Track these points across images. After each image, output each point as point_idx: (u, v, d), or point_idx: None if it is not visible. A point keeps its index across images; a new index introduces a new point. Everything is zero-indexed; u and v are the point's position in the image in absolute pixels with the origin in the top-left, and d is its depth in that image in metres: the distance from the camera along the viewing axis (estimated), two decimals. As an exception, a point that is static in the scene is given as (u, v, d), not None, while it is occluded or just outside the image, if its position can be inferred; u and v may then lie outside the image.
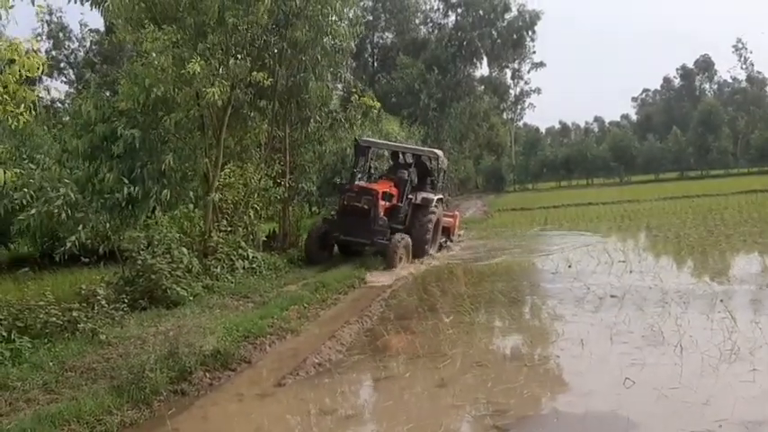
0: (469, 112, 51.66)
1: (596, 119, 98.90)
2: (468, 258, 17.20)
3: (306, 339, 9.23)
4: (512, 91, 64.19)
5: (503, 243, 19.80)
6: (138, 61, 12.41)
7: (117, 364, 7.58)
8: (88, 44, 38.79)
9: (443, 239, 18.89)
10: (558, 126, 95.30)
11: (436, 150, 19.50)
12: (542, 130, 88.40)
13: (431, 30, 53.42)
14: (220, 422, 6.45)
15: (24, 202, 8.83)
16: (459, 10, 52.21)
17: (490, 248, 18.73)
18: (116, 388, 6.80)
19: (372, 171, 18.93)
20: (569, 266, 13.99)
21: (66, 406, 6.25)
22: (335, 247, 16.67)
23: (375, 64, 49.39)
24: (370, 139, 18.52)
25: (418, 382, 7.23)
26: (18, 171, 7.74)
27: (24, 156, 11.65)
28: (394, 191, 16.72)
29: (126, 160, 10.75)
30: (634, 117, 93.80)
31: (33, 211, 8.86)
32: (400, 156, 18.83)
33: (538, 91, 65.51)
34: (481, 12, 51.43)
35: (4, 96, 6.93)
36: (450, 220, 19.72)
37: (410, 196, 16.93)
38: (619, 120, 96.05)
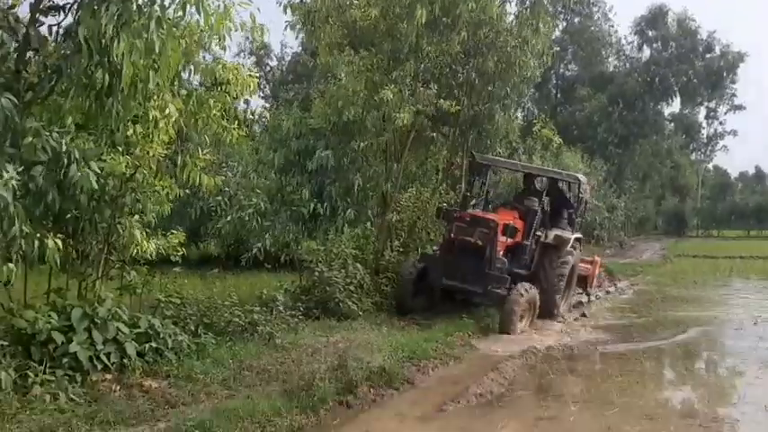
0: (654, 149, 49.49)
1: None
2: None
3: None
4: (704, 131, 60.83)
5: (680, 294, 18.56)
6: (332, 83, 13.12)
7: (290, 369, 7.95)
8: (287, 64, 41.23)
9: (580, 293, 15.31)
10: (752, 171, 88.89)
11: (578, 174, 14.97)
12: (734, 174, 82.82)
13: (621, 63, 51.82)
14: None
15: (220, 207, 9.59)
16: (655, 45, 50.24)
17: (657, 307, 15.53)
18: (287, 392, 7.16)
19: (490, 197, 15.39)
20: (755, 323, 13.09)
21: (241, 403, 6.67)
22: (436, 294, 12.57)
23: (558, 95, 48.56)
24: (490, 156, 14.77)
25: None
26: (222, 179, 8.44)
27: (223, 164, 12.61)
28: (519, 224, 12.70)
29: (317, 177, 11.41)
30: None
31: (229, 218, 9.59)
32: (534, 181, 14.67)
33: (734, 133, 61.53)
34: (677, 47, 49.19)
35: (222, 113, 7.65)
36: (588, 267, 15.23)
37: (538, 233, 13.11)
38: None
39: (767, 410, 7.30)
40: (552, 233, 13.08)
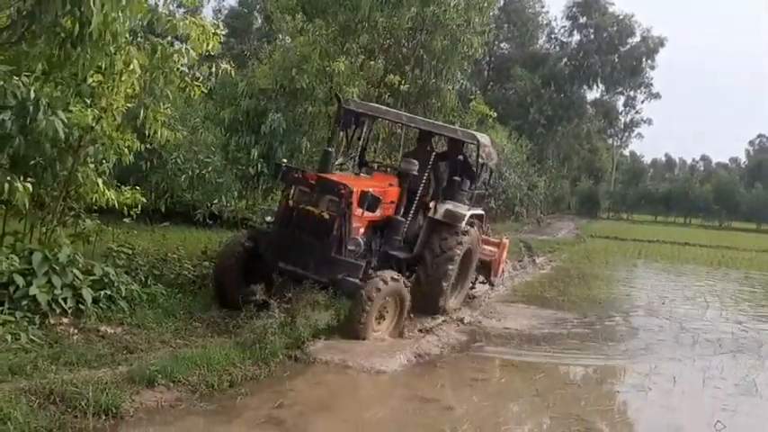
0: (575, 132, 51.36)
1: (703, 157, 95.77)
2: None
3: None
4: (621, 117, 63.29)
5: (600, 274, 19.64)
6: (281, 46, 13.29)
7: (239, 323, 8.28)
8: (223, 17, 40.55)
9: (479, 281, 12.37)
10: (663, 159, 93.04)
11: (478, 134, 11.28)
12: (647, 160, 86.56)
13: (552, 46, 53.23)
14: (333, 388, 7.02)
15: (179, 161, 9.74)
16: (585, 31, 51.81)
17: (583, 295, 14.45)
18: (240, 344, 7.52)
19: (368, 159, 12.00)
20: (663, 303, 14.15)
21: (198, 352, 6.93)
22: (277, 279, 9.03)
23: (490, 72, 49.54)
24: (366, 103, 11.66)
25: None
26: (182, 134, 8.63)
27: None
28: (392, 192, 9.71)
29: (266, 138, 11.62)
30: (743, 161, 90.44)
31: (190, 173, 9.77)
32: (431, 141, 11.49)
33: (649, 122, 64.44)
34: (607, 35, 50.89)
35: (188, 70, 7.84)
36: (494, 250, 12.12)
37: (428, 206, 10.42)
38: (727, 162, 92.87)
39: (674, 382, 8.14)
40: (443, 207, 10.27)
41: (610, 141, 66.34)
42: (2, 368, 5.76)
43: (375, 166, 11.56)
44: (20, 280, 6.95)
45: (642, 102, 61.16)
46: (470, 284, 11.82)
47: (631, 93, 59.90)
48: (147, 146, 8.98)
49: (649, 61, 54.63)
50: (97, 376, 5.85)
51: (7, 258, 7.04)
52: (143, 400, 5.76)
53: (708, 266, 23.50)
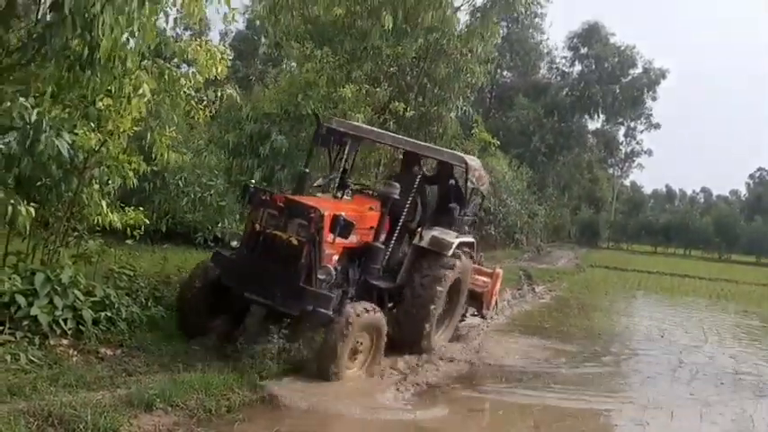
0: (576, 161, 51.64)
1: (703, 189, 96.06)
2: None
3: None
4: (622, 148, 63.61)
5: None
6: (287, 72, 13.45)
7: (240, 348, 8.28)
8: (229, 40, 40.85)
9: (470, 314, 11.58)
10: (663, 190, 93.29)
11: (466, 156, 10.48)
12: (648, 191, 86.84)
13: (553, 76, 53.69)
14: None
15: (181, 183, 9.81)
16: (587, 62, 52.32)
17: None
18: (237, 369, 7.53)
19: (350, 181, 10.47)
20: (662, 336, 14.14)
21: (196, 377, 6.94)
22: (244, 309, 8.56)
23: (492, 100, 49.89)
24: (347, 122, 10.84)
25: None
26: (187, 157, 8.71)
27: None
28: (370, 217, 8.98)
29: (268, 161, 11.71)
30: (744, 194, 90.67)
31: (192, 196, 9.84)
32: (418, 163, 10.71)
33: (649, 152, 64.73)
34: (608, 66, 51.38)
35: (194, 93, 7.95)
36: (486, 280, 11.50)
37: (417, 231, 9.68)
38: (727, 195, 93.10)
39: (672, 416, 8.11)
40: (430, 234, 9.54)
41: (610, 171, 66.59)
42: (1, 389, 5.78)
43: (358, 188, 10.45)
44: (21, 300, 6.98)
45: (641, 132, 61.60)
46: (460, 318, 11.03)
47: (632, 123, 60.33)
48: (153, 168, 9.04)
49: (651, 92, 55.16)
50: (96, 399, 5.86)
51: (9, 278, 7.07)
52: (141, 423, 5.76)
53: (707, 299, 23.46)
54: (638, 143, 63.14)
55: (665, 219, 67.90)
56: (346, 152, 10.25)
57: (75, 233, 8.46)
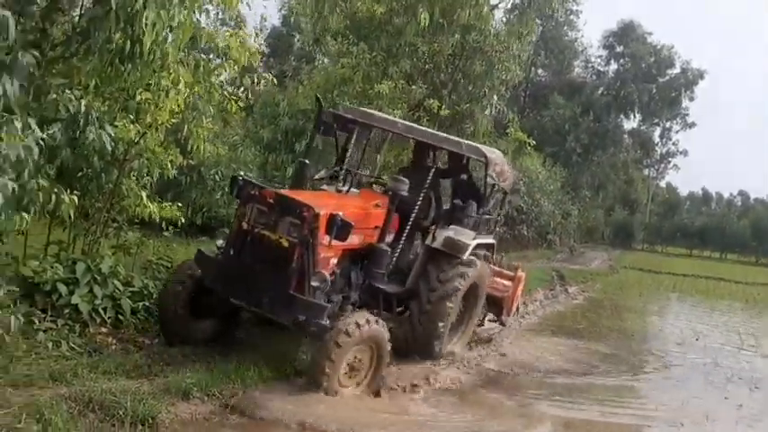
0: (611, 161, 51.07)
1: (741, 192, 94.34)
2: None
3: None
4: (658, 149, 62.75)
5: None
6: (321, 67, 13.53)
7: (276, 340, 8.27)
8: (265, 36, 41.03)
9: (488, 319, 10.86)
10: (699, 192, 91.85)
11: (487, 150, 9.52)
12: (683, 192, 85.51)
13: (588, 74, 53.21)
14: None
15: (217, 177, 9.95)
16: (622, 60, 51.77)
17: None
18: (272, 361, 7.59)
19: (360, 173, 9.91)
20: (697, 339, 13.96)
21: (232, 367, 6.94)
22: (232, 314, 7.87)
23: (526, 99, 49.55)
24: (353, 108, 10.20)
25: None
26: (222, 150, 8.84)
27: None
28: (376, 215, 8.05)
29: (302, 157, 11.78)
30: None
31: (227, 190, 9.94)
32: (432, 155, 9.61)
33: (684, 153, 63.73)
34: (644, 65, 50.80)
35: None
36: (507, 284, 10.77)
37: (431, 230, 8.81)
38: (765, 198, 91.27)
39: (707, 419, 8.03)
40: (443, 234, 8.71)
41: (646, 172, 65.73)
42: (43, 374, 5.93)
43: (372, 181, 9.78)
44: (63, 288, 7.14)
45: (677, 132, 60.72)
46: (477, 323, 10.16)
47: (668, 124, 59.51)
48: (190, 161, 9.17)
49: (688, 92, 54.34)
50: (134, 386, 5.97)
51: (52, 267, 7.23)
52: (178, 411, 5.85)
53: (743, 303, 23.08)
54: (673, 144, 62.27)
55: (700, 221, 66.75)
56: (353, 141, 9.33)
57: (115, 224, 8.63)
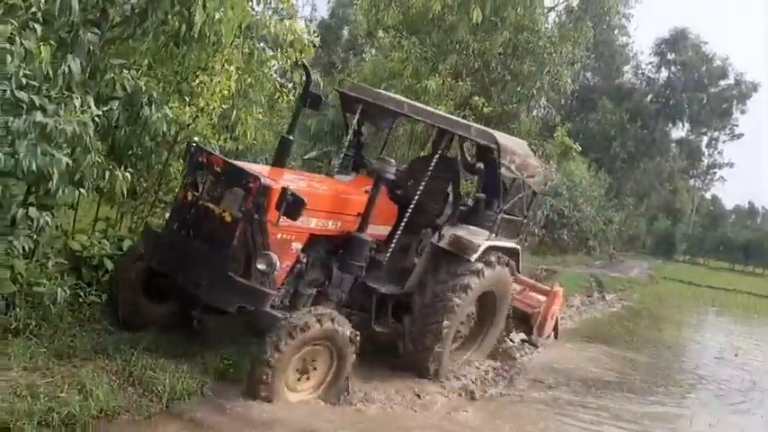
0: (656, 170, 50.29)
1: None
2: None
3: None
4: (704, 159, 61.66)
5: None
6: (369, 60, 13.58)
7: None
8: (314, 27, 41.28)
9: (525, 340, 9.82)
10: (746, 206, 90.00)
11: (499, 136, 8.10)
12: (728, 206, 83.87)
13: (638, 80, 52.46)
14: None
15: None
16: (674, 68, 50.92)
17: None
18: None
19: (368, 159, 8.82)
20: (735, 355, 13.73)
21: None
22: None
23: (573, 102, 49.03)
24: (358, 85, 9.80)
25: None
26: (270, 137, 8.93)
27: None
28: (358, 202, 7.11)
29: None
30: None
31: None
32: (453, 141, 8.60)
33: (730, 164, 62.54)
34: (696, 74, 49.93)
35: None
36: (540, 299, 9.57)
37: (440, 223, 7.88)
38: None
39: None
40: (452, 231, 7.73)
41: (691, 182, 64.61)
42: (86, 347, 6.08)
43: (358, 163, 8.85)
44: (109, 264, 7.27)
45: (724, 142, 59.59)
46: (500, 338, 9.08)
47: (715, 134, 58.43)
48: (237, 147, 9.27)
49: (740, 105, 53.30)
50: (174, 364, 6.07)
51: (99, 242, 7.38)
52: (214, 391, 5.98)
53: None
54: (719, 153, 61.12)
55: (745, 236, 65.34)
56: (354, 122, 8.38)
57: (162, 205, 8.74)
